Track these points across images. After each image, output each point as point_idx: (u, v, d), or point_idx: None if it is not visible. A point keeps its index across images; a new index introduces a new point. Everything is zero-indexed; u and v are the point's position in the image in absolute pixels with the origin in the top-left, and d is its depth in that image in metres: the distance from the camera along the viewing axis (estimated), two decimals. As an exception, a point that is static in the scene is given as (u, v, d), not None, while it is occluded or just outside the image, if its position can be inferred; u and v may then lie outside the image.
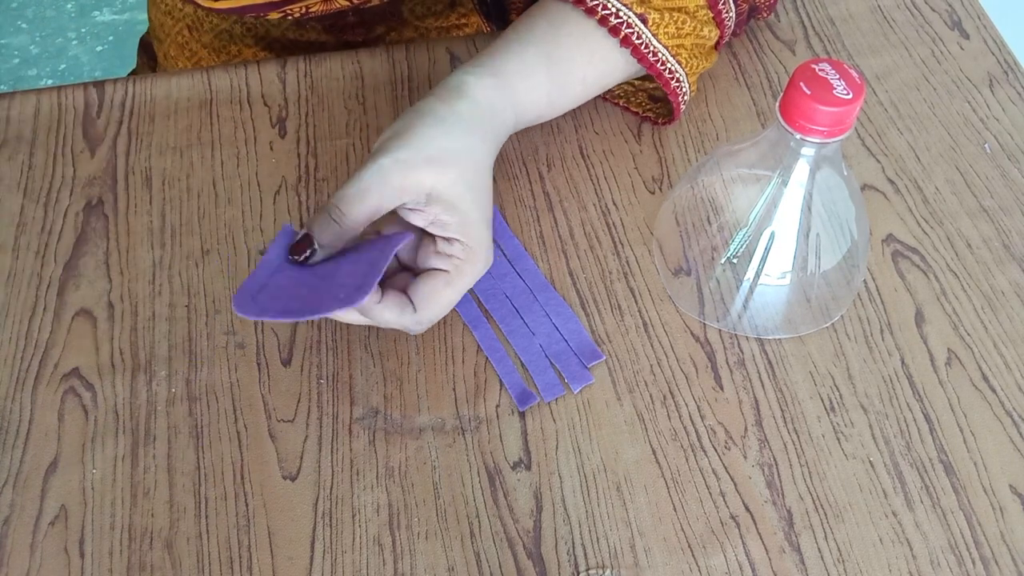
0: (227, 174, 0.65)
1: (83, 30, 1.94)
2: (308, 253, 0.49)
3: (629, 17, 0.58)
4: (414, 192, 0.50)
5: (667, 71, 0.61)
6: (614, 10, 0.58)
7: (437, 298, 0.52)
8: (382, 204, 0.50)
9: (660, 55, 0.60)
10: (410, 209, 0.51)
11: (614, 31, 0.58)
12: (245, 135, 0.67)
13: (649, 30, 0.59)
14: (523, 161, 0.65)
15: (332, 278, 0.50)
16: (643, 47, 0.59)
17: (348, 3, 0.69)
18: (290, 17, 0.70)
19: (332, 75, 0.70)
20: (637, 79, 0.66)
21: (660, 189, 0.64)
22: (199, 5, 0.69)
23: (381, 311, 0.50)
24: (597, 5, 0.58)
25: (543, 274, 0.60)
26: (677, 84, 0.62)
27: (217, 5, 0.68)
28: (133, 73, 0.88)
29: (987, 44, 0.72)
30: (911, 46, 0.72)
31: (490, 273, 0.60)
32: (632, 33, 0.59)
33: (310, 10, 0.69)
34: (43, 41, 1.93)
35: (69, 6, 1.98)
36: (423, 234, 0.53)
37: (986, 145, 0.66)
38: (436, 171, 0.50)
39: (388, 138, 0.52)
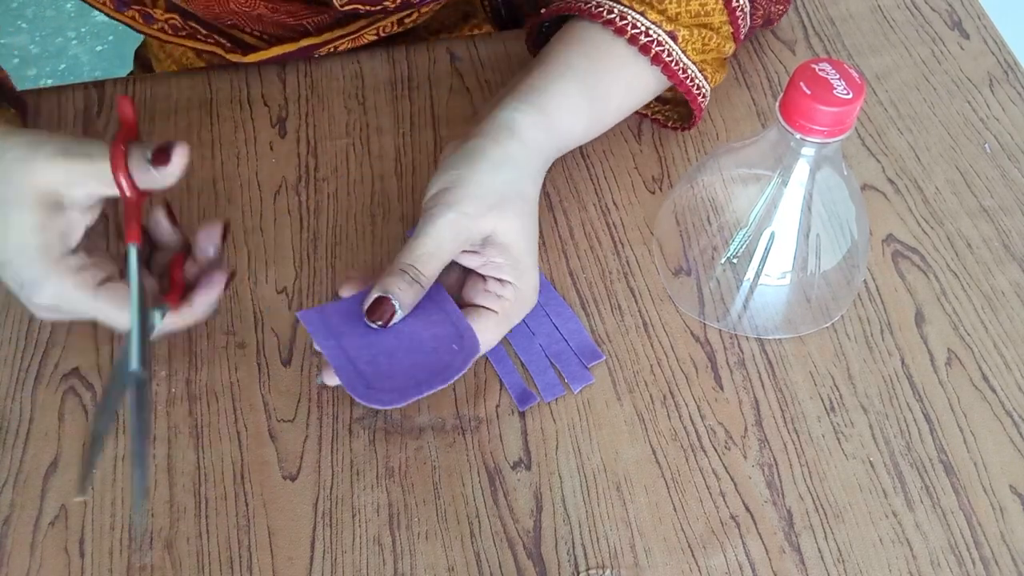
0: (227, 174, 0.65)
1: (83, 30, 1.94)
2: (390, 316, 0.50)
3: (659, 35, 0.59)
4: (477, 239, 0.51)
5: (695, 87, 0.61)
6: (644, 28, 0.58)
7: (486, 337, 0.52)
8: (450, 256, 0.51)
9: (689, 71, 0.60)
10: (465, 252, 0.52)
11: (644, 49, 0.59)
12: (245, 135, 0.67)
13: (679, 47, 0.59)
14: (523, 161, 0.65)
15: (417, 335, 0.50)
16: (673, 64, 0.59)
17: (375, 36, 0.69)
18: (299, 60, 0.70)
19: (332, 75, 0.70)
20: None
21: (660, 189, 0.64)
22: (225, 58, 0.69)
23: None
24: (627, 24, 0.58)
25: (543, 274, 0.60)
26: (703, 99, 0.62)
27: (246, 60, 0.68)
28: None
29: (987, 44, 0.72)
30: (911, 46, 0.72)
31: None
32: (663, 51, 0.59)
33: (338, 49, 0.69)
34: (43, 41, 1.93)
35: (69, 6, 1.98)
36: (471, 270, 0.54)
37: (986, 145, 0.66)
38: (496, 217, 0.51)
39: (446, 188, 0.51)
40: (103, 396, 0.45)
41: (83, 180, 0.47)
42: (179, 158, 0.48)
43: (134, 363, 0.45)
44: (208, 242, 0.52)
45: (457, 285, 0.54)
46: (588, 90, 0.59)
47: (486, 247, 0.51)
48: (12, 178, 0.47)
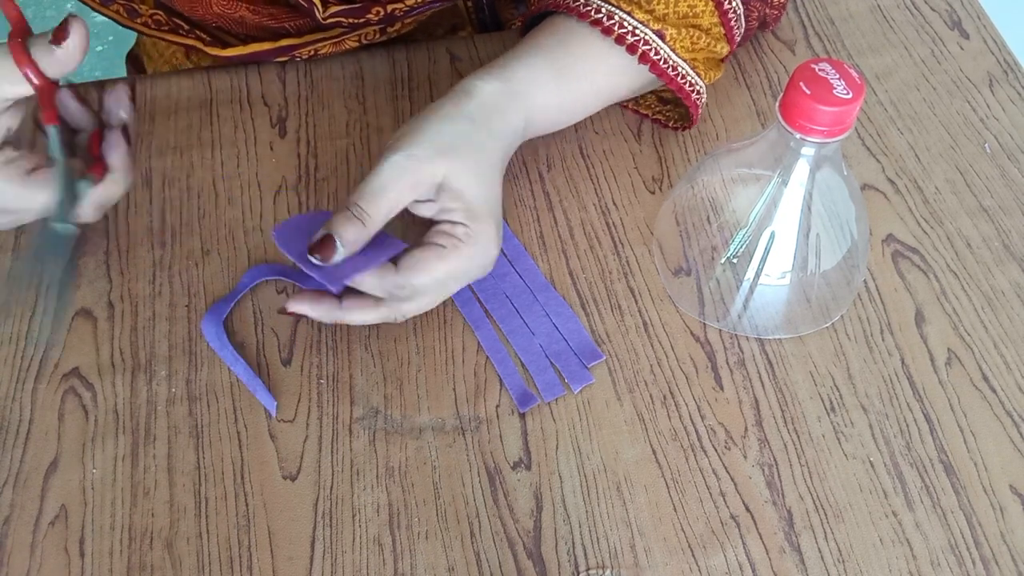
0: (227, 174, 0.65)
1: (83, 30, 1.94)
2: (331, 253, 0.50)
3: (646, 34, 0.58)
4: (428, 184, 0.51)
5: (687, 84, 0.61)
6: (630, 28, 0.58)
7: (425, 267, 0.51)
8: (399, 200, 0.51)
9: (680, 68, 0.60)
10: (421, 202, 0.52)
11: (631, 48, 0.58)
12: (245, 135, 0.67)
13: (667, 45, 0.59)
14: (523, 161, 0.65)
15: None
16: (662, 63, 0.59)
17: (357, 43, 0.69)
18: (298, 60, 0.70)
19: (332, 75, 0.70)
20: None
21: (660, 189, 0.64)
22: (204, 51, 0.69)
23: (361, 278, 0.51)
24: (614, 24, 0.58)
25: (543, 274, 0.60)
26: (698, 96, 0.62)
27: (224, 53, 0.68)
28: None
29: (987, 44, 0.72)
30: (911, 46, 0.72)
31: (490, 273, 0.60)
32: (650, 50, 0.59)
33: (319, 52, 0.69)
34: (43, 41, 1.93)
35: (69, 6, 1.98)
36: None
37: (986, 145, 0.66)
38: (446, 161, 0.51)
39: (398, 137, 0.53)
40: (29, 249, 0.49)
41: None
42: (77, 29, 0.48)
43: (59, 221, 0.49)
44: (117, 106, 0.54)
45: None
46: (556, 67, 0.59)
47: (440, 194, 0.52)
48: None
